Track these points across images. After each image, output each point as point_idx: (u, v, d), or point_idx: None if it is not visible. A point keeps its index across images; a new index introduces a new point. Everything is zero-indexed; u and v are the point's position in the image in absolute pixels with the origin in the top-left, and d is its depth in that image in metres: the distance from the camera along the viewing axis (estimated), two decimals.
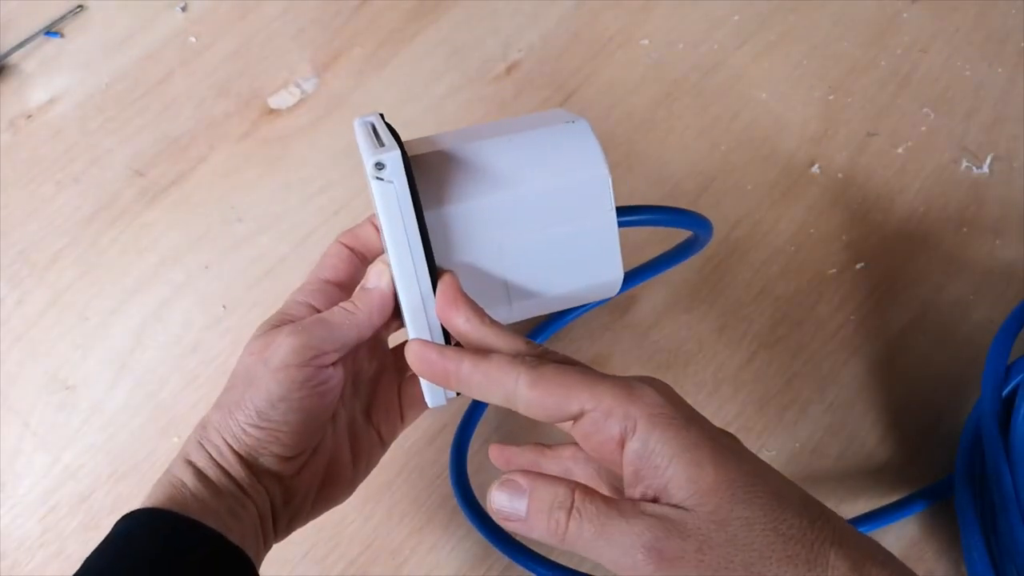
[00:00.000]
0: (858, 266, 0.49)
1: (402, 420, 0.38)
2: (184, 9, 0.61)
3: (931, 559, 0.42)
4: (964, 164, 0.52)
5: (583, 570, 0.41)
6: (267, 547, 0.34)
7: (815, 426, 0.45)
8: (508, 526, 0.27)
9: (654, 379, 0.28)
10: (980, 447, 0.41)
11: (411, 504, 0.44)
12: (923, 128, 0.53)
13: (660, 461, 0.25)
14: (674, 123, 0.54)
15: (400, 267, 0.30)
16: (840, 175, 0.52)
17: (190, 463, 0.33)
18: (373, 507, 0.44)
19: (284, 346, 0.32)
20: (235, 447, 0.33)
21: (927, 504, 0.42)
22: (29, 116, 0.57)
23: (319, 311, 0.35)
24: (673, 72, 0.56)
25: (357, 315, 0.34)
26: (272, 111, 0.56)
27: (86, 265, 0.52)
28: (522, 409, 0.27)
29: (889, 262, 0.49)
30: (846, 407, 0.45)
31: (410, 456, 0.45)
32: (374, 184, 0.29)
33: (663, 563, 0.24)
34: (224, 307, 0.50)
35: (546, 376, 0.27)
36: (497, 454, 0.37)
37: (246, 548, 0.31)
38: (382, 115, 0.34)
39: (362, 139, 0.32)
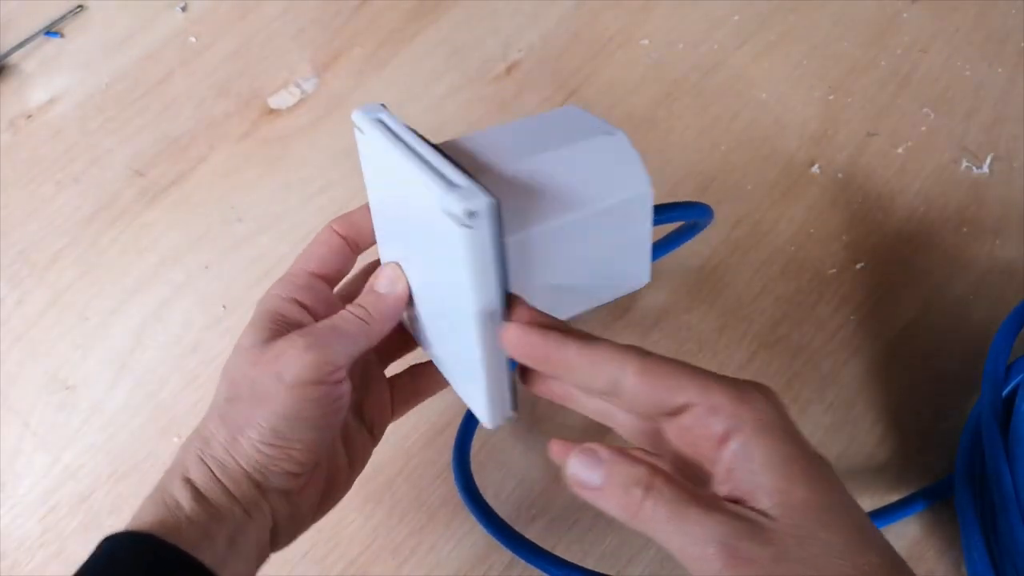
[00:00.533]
0: (858, 266, 0.49)
1: (392, 414, 0.38)
2: (184, 9, 0.61)
3: (931, 559, 0.42)
4: (964, 164, 0.52)
5: (586, 566, 0.41)
6: (264, 562, 0.33)
7: (815, 426, 0.45)
8: (582, 494, 0.28)
9: (767, 388, 0.27)
10: (980, 447, 0.41)
11: (411, 504, 0.44)
12: (923, 128, 0.53)
13: (756, 467, 0.25)
14: (674, 123, 0.54)
15: (480, 307, 0.28)
16: (840, 175, 0.52)
17: (188, 481, 0.30)
18: (373, 507, 0.44)
19: (300, 362, 0.30)
20: (244, 465, 0.31)
21: (927, 504, 0.42)
22: (29, 116, 0.57)
23: (307, 308, 0.33)
24: (673, 72, 0.56)
25: (372, 325, 0.32)
26: (272, 111, 0.56)
27: (86, 265, 0.52)
28: (626, 397, 0.27)
29: (889, 262, 0.49)
30: (846, 407, 0.45)
31: (411, 456, 0.45)
32: (460, 232, 0.26)
33: (735, 562, 0.24)
34: (224, 307, 0.50)
35: (655, 366, 0.27)
36: (559, 449, 0.30)
37: None
38: (384, 106, 0.32)
39: (404, 159, 0.28)
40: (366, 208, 0.35)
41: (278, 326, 0.32)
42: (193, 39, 0.59)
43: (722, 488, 0.26)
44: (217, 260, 0.51)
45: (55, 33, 0.60)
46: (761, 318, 0.48)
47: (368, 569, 0.43)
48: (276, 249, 0.52)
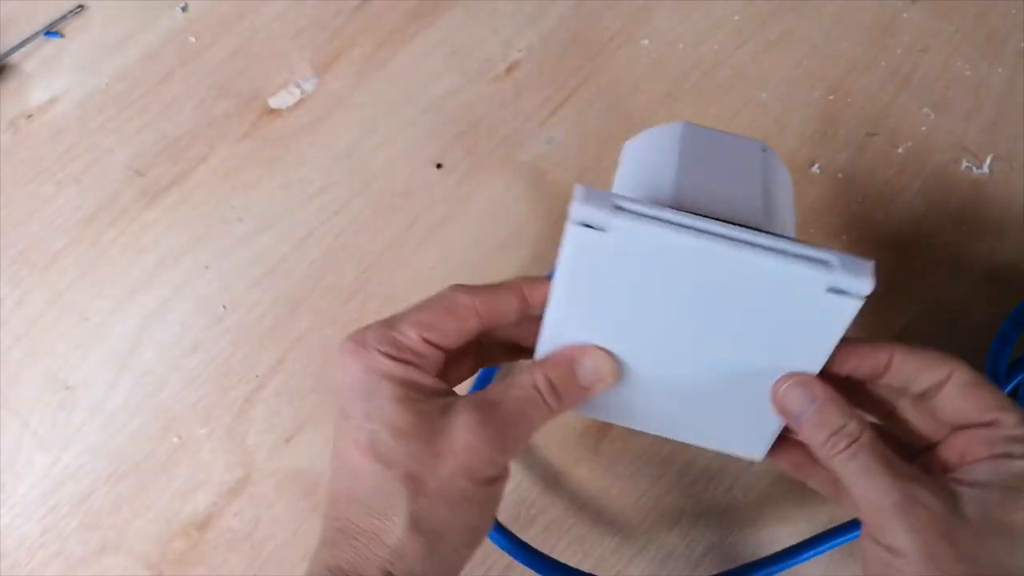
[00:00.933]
0: None
1: None
2: (184, 9, 0.61)
3: None
4: (964, 164, 0.52)
5: (586, 567, 0.41)
6: None
7: None
8: (784, 417, 0.29)
9: None
10: None
11: None
12: (923, 128, 0.53)
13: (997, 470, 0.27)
14: None
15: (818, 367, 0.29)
16: (840, 175, 0.52)
17: None
18: None
19: (491, 462, 0.27)
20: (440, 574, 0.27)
21: None
22: (29, 116, 0.57)
23: (426, 372, 0.29)
24: (673, 72, 0.56)
25: (556, 414, 0.28)
26: (272, 111, 0.56)
27: (86, 265, 0.52)
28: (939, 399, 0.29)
29: (889, 262, 0.49)
30: None
31: None
32: (846, 303, 0.26)
33: (909, 518, 0.26)
34: (224, 307, 0.50)
35: (976, 379, 0.29)
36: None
37: None
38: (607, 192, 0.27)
39: (716, 246, 0.26)
40: (511, 292, 0.31)
41: (425, 398, 0.28)
42: (193, 39, 0.59)
43: (947, 453, 0.29)
44: (217, 260, 0.51)
45: (55, 33, 0.60)
46: None
47: None
48: (276, 249, 0.52)
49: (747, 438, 0.33)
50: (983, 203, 0.51)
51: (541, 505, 0.43)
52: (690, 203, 0.28)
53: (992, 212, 0.50)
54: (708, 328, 0.29)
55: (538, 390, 0.29)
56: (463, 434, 0.27)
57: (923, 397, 0.30)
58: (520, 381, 0.29)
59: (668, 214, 0.27)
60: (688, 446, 0.45)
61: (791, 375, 0.29)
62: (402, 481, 0.27)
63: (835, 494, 0.33)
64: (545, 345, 0.30)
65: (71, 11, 0.61)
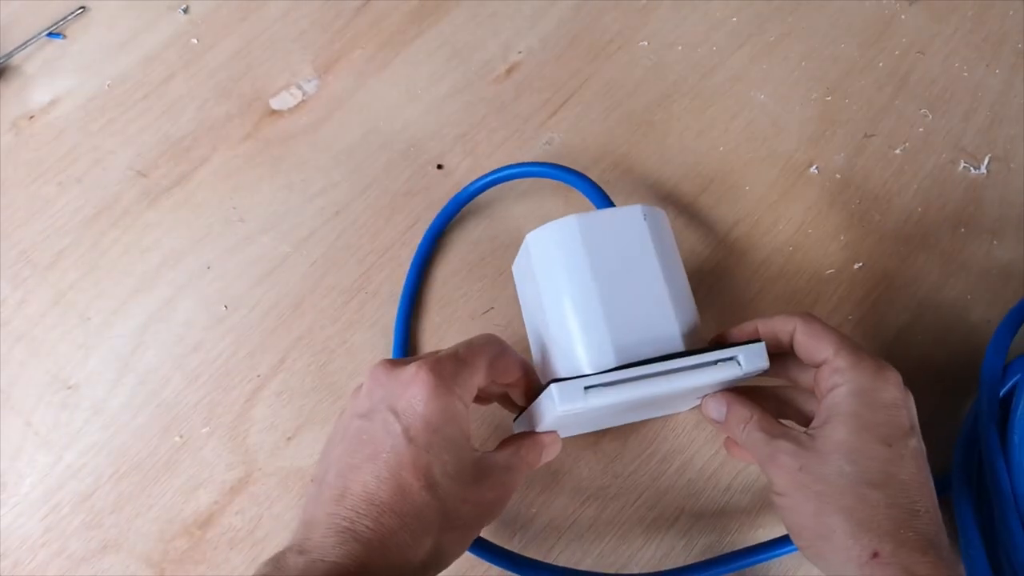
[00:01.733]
0: (856, 266, 0.49)
1: None
2: (186, 11, 0.61)
3: None
4: (962, 165, 0.52)
5: (584, 566, 0.41)
6: None
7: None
8: (713, 424, 0.40)
9: (889, 368, 0.35)
10: (977, 446, 0.41)
11: None
12: (921, 129, 0.54)
13: (835, 413, 0.34)
14: (673, 124, 0.55)
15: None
16: (838, 176, 0.52)
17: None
18: None
19: (501, 510, 0.36)
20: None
21: None
22: (31, 117, 0.58)
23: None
24: (672, 74, 0.57)
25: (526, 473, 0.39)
26: (274, 112, 0.57)
27: (88, 265, 0.52)
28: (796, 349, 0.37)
29: (887, 262, 0.49)
30: None
31: None
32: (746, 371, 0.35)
33: (774, 465, 0.35)
34: (226, 307, 0.50)
35: (815, 327, 0.37)
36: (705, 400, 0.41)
37: None
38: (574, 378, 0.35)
39: (663, 381, 0.35)
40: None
41: (470, 447, 0.35)
42: (195, 41, 0.60)
43: (816, 422, 0.35)
44: (219, 260, 0.52)
45: (57, 34, 0.61)
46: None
47: None
48: (278, 249, 0.52)
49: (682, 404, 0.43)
50: (981, 204, 0.51)
51: (540, 504, 0.44)
52: (629, 355, 0.35)
53: (990, 212, 0.51)
54: (650, 408, 0.40)
55: (524, 462, 0.38)
56: (486, 491, 0.35)
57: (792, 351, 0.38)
58: (518, 456, 0.38)
59: (619, 375, 0.34)
60: (686, 445, 0.45)
61: (707, 396, 0.39)
62: (441, 514, 0.33)
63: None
64: (523, 425, 0.40)
65: (73, 12, 0.61)
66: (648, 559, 0.42)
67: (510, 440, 0.38)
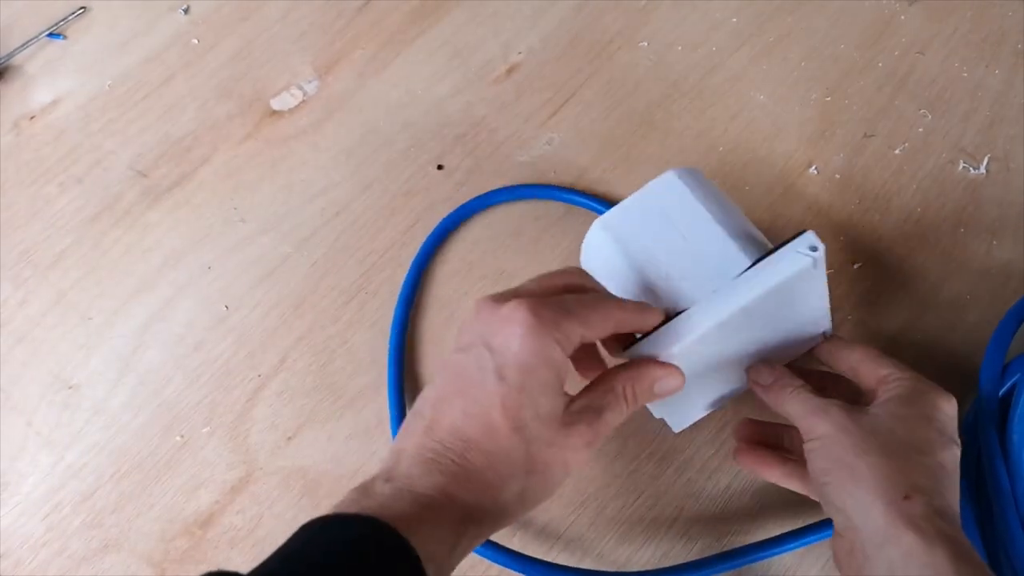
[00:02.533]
0: (855, 266, 0.49)
1: None
2: (186, 11, 0.61)
3: None
4: (961, 165, 0.52)
5: (585, 564, 0.41)
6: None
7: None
8: (756, 389, 0.39)
9: (943, 393, 0.36)
10: (976, 446, 0.41)
11: None
12: (920, 129, 0.54)
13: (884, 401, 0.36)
14: (673, 124, 0.55)
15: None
16: (837, 176, 0.52)
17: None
18: None
19: (584, 466, 0.38)
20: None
21: None
22: (32, 117, 0.58)
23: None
24: (672, 74, 0.57)
25: (626, 413, 0.36)
26: (274, 113, 0.57)
27: (89, 265, 0.52)
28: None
29: (886, 262, 0.49)
30: None
31: None
32: (813, 259, 0.35)
33: (826, 416, 0.35)
34: (227, 307, 0.50)
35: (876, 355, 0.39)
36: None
37: None
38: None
39: (755, 301, 0.36)
40: (647, 314, 0.37)
41: (562, 393, 0.33)
42: (195, 41, 0.60)
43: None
44: (219, 260, 0.52)
45: (58, 35, 0.61)
46: None
47: None
48: (278, 249, 0.52)
49: None
50: (980, 204, 0.51)
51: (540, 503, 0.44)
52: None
53: (989, 212, 0.51)
54: (753, 338, 0.39)
55: (620, 398, 0.35)
56: (575, 438, 0.33)
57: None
58: (613, 394, 0.35)
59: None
60: (686, 444, 0.45)
61: (757, 364, 0.40)
62: (528, 458, 0.32)
63: (806, 486, 0.39)
64: (643, 349, 0.37)
65: (74, 13, 0.61)
66: (648, 558, 0.42)
67: (604, 376, 0.36)
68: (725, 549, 0.42)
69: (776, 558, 0.41)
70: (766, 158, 0.53)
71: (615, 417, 0.35)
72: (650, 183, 0.41)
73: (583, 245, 0.42)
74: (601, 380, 0.35)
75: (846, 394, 0.39)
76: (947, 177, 0.52)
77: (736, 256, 0.37)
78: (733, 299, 0.35)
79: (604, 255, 0.41)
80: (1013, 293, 0.48)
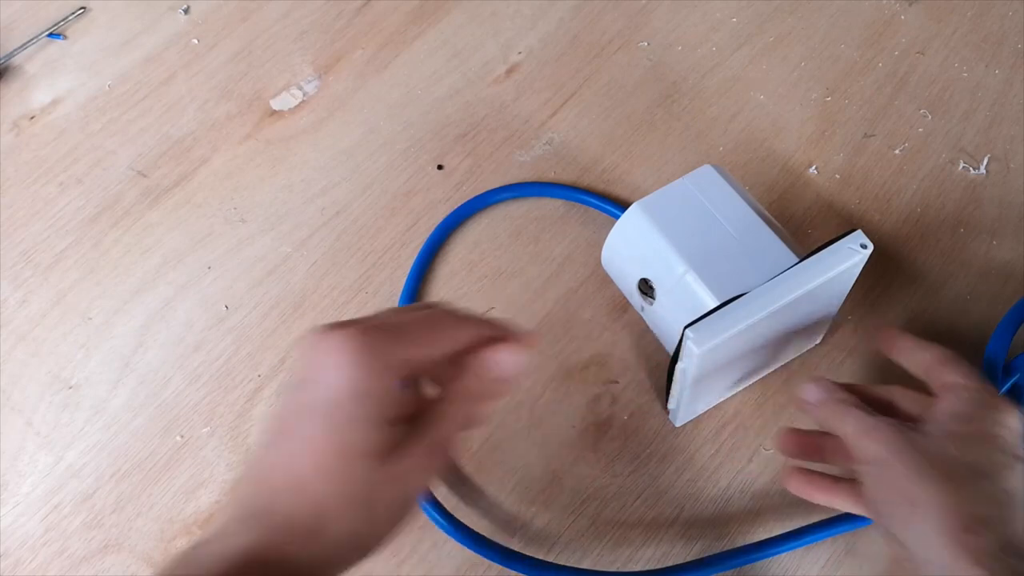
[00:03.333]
0: None
1: None
2: (186, 11, 0.61)
3: None
4: (961, 165, 0.52)
5: (585, 564, 0.41)
6: None
7: (812, 425, 0.45)
8: (802, 407, 0.39)
9: (1005, 403, 0.35)
10: None
11: None
12: (920, 129, 0.54)
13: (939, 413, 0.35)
14: (673, 124, 0.55)
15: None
16: (837, 176, 0.52)
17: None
18: None
19: (422, 495, 0.34)
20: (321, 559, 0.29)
21: None
22: (32, 117, 0.58)
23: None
24: (672, 74, 0.57)
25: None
26: (274, 113, 0.57)
27: (89, 265, 0.52)
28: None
29: (886, 262, 0.49)
30: None
31: None
32: (861, 257, 0.39)
33: (875, 436, 0.34)
34: (226, 307, 0.50)
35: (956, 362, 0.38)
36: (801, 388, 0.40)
37: None
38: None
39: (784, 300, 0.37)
40: (482, 328, 0.34)
41: (396, 426, 0.30)
42: (195, 41, 0.60)
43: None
44: (219, 260, 0.52)
45: (58, 35, 0.61)
46: None
47: (368, 568, 0.43)
48: (278, 249, 0.52)
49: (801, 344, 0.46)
50: (980, 204, 0.51)
51: (540, 503, 0.44)
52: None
53: (989, 213, 0.51)
54: (775, 332, 0.41)
55: (450, 400, 0.33)
56: (407, 466, 0.30)
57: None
58: (441, 406, 0.32)
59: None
60: (686, 444, 0.45)
61: (806, 382, 0.39)
62: (358, 495, 0.29)
63: (859, 507, 0.38)
64: (699, 330, 0.38)
65: (74, 13, 0.61)
66: (648, 558, 0.42)
67: (442, 394, 0.33)
68: (725, 549, 0.42)
69: (776, 558, 0.41)
70: (766, 158, 0.53)
71: (448, 427, 0.32)
72: (687, 175, 0.44)
73: (616, 225, 0.44)
74: (438, 399, 0.33)
75: (898, 412, 0.38)
76: (947, 177, 0.52)
77: (782, 252, 0.41)
78: (787, 288, 0.37)
79: (640, 233, 0.43)
80: (1013, 293, 0.48)
